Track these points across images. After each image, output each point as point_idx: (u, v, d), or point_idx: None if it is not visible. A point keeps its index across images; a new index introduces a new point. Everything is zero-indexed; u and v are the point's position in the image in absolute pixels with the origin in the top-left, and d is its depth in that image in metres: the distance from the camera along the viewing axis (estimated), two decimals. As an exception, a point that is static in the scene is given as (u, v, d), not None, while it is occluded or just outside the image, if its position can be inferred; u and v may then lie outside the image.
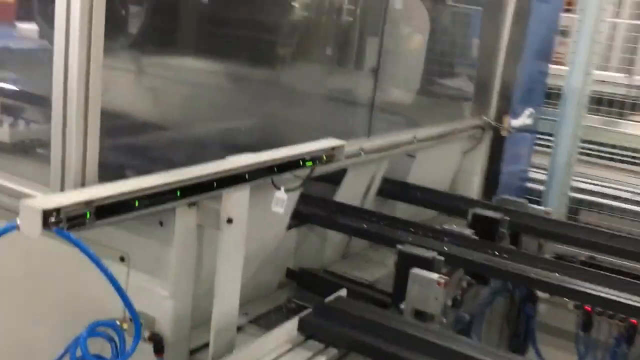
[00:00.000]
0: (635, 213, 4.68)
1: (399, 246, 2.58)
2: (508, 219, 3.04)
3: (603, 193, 5.36)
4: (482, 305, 3.28)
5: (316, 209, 2.96)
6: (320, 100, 3.25)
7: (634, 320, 3.04)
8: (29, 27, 2.68)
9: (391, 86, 3.40)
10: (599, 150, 5.43)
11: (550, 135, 4.88)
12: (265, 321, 2.65)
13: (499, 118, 4.03)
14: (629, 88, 5.48)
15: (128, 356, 2.00)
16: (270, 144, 2.41)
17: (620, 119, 5.35)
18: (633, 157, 5.19)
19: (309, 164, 2.38)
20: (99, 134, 1.90)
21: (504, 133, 4.01)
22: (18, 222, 1.62)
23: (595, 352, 3.32)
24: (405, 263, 2.51)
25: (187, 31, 2.83)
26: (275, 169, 2.27)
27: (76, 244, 1.74)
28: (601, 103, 5.57)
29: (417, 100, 3.76)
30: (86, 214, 1.67)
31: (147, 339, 2.11)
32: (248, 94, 3.01)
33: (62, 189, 1.87)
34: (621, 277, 2.63)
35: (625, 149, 5.19)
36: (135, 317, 1.93)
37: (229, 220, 2.13)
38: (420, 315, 2.44)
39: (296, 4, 3.13)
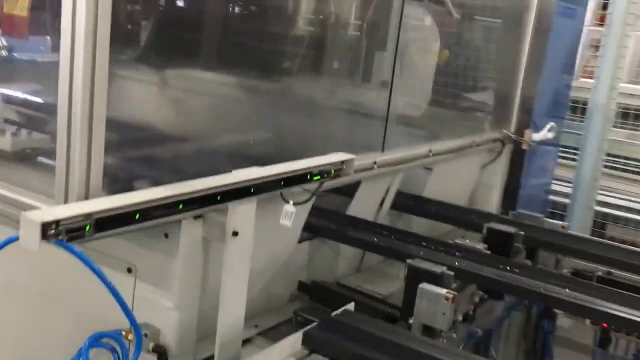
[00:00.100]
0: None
1: (409, 260, 2.57)
2: (523, 233, 3.00)
3: (629, 207, 5.30)
4: (497, 320, 3.24)
5: (327, 222, 2.96)
6: (334, 113, 3.26)
7: (651, 338, 2.99)
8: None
9: (405, 99, 3.39)
10: (624, 164, 5.37)
11: (575, 148, 4.84)
12: (275, 334, 2.65)
13: (520, 131, 4.00)
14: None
15: (130, 368, 2.02)
16: (280, 157, 2.42)
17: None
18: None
19: (316, 178, 2.38)
20: (105, 146, 1.93)
21: (524, 147, 3.98)
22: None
23: (613, 368, 3.26)
24: (415, 277, 2.49)
25: (196, 44, 2.85)
26: (282, 183, 2.27)
27: (78, 256, 1.77)
28: (627, 116, 5.51)
29: (434, 113, 3.75)
30: (86, 227, 1.69)
31: (151, 350, 2.12)
32: (258, 106, 3.03)
33: (65, 201, 1.89)
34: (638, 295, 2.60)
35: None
36: (136, 328, 1.94)
37: (235, 233, 2.14)
38: (428, 330, 2.42)
39: (303, 18, 3.15)
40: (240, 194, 2.13)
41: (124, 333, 2.10)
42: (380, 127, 3.10)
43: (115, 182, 2.20)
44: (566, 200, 5.35)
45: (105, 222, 1.74)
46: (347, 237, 2.94)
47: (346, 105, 3.33)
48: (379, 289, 3.13)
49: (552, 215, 5.06)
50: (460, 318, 2.60)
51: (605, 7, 5.32)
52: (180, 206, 1.93)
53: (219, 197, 2.04)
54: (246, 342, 2.48)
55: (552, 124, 3.96)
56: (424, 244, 2.86)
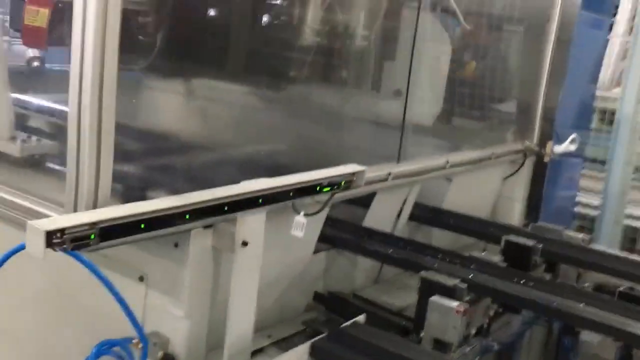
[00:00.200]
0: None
1: (422, 273, 2.56)
2: (541, 246, 2.97)
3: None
4: (516, 334, 3.20)
5: (342, 232, 2.96)
6: (349, 124, 3.27)
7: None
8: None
9: (421, 109, 3.38)
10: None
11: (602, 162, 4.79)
12: (288, 344, 2.64)
13: (542, 143, 3.96)
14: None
15: (137, 376, 2.03)
16: (293, 167, 2.43)
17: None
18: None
19: (326, 189, 2.38)
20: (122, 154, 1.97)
21: (546, 159, 3.93)
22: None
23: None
24: (427, 290, 2.48)
25: (205, 54, 2.88)
26: (292, 194, 2.28)
27: (86, 264, 1.79)
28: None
29: (453, 124, 3.73)
30: (91, 236, 1.71)
31: (160, 359, 2.14)
32: (269, 116, 3.05)
33: (75, 209, 1.92)
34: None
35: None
36: (141, 335, 1.96)
37: (244, 243, 2.15)
38: (439, 344, 2.41)
39: (311, 29, 3.16)
40: (249, 205, 2.14)
41: (134, 341, 2.12)
42: (396, 138, 3.09)
43: (130, 191, 2.24)
44: (594, 213, 5.30)
45: (111, 231, 1.76)
46: (361, 248, 2.94)
47: (362, 115, 3.34)
48: (396, 301, 3.12)
49: (582, 229, 5.01)
50: (473, 332, 2.59)
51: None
52: (187, 216, 1.94)
53: (226, 208, 2.05)
54: (258, 351, 2.49)
55: (574, 135, 3.91)
56: (439, 256, 2.84)
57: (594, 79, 4.39)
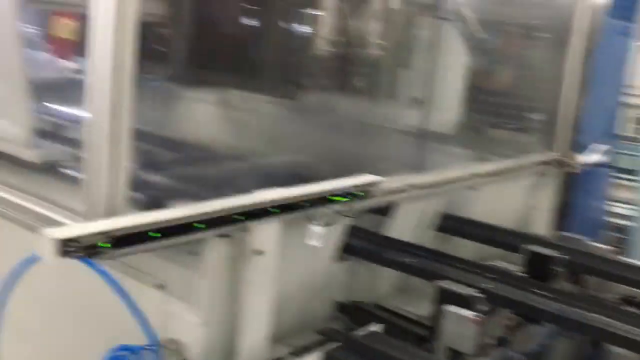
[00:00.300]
0: None
1: (439, 282, 2.56)
2: (563, 257, 2.94)
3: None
4: (542, 345, 3.18)
5: (363, 242, 2.97)
6: (370, 134, 3.29)
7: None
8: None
9: (442, 119, 3.39)
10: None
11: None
12: (307, 353, 2.67)
13: (568, 153, 3.93)
14: None
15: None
16: (310, 177, 2.47)
17: None
18: None
19: (340, 199, 2.41)
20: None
21: (572, 169, 3.90)
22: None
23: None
24: (443, 300, 2.49)
25: (227, 64, 2.94)
26: (305, 204, 2.31)
27: (99, 271, 1.86)
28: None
29: (478, 135, 3.73)
30: (104, 244, 1.76)
31: (177, 365, 2.20)
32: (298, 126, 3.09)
33: (92, 218, 1.98)
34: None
35: None
36: (152, 340, 2.01)
37: (258, 252, 2.19)
38: (454, 353, 2.41)
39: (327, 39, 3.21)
40: (262, 215, 2.18)
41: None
42: (418, 149, 3.11)
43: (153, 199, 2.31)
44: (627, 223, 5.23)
45: (124, 240, 1.82)
46: (380, 257, 2.95)
47: (381, 124, 3.36)
48: (419, 310, 3.11)
49: (614, 240, 4.94)
50: (492, 342, 2.58)
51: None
52: (199, 226, 1.99)
53: (239, 217, 2.09)
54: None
55: (601, 146, 3.87)
56: (458, 265, 2.83)
57: (621, 86, 4.34)
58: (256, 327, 2.28)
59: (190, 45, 2.85)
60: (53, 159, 2.48)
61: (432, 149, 3.26)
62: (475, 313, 2.39)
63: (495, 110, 3.85)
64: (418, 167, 3.16)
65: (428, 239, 3.36)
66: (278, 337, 2.53)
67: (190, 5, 2.88)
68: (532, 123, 4.06)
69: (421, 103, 3.14)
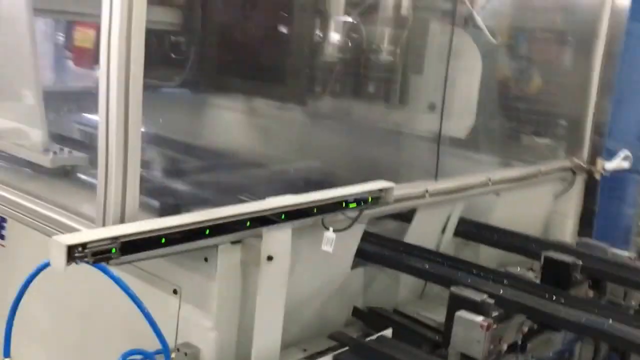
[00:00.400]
0: None
1: (452, 288, 2.58)
2: (579, 263, 2.93)
3: None
4: (560, 352, 3.17)
5: (378, 248, 2.99)
6: (383, 139, 3.31)
7: None
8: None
9: (458, 124, 3.41)
10: None
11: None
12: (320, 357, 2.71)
13: (592, 159, 3.90)
14: None
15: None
16: (323, 183, 2.51)
17: None
18: None
19: (352, 205, 2.44)
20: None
21: (597, 176, 3.87)
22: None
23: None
24: (455, 305, 2.50)
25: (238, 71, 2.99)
26: (316, 210, 2.35)
27: (111, 277, 1.91)
28: None
29: (498, 141, 3.73)
30: (112, 250, 1.82)
31: (190, 368, 2.25)
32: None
33: (104, 224, 2.04)
34: None
35: None
36: (164, 345, 2.06)
37: (269, 258, 2.23)
38: (465, 358, 2.42)
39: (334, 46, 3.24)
40: (273, 221, 2.22)
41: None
42: (432, 154, 3.12)
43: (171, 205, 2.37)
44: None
45: (132, 246, 1.87)
46: (395, 263, 2.96)
47: (392, 129, 3.38)
48: (437, 316, 3.12)
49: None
50: (504, 347, 2.59)
51: None
52: (207, 232, 2.04)
53: (248, 224, 2.14)
54: (291, 364, 2.57)
55: (626, 151, 3.83)
56: (473, 271, 2.84)
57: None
58: (268, 332, 2.31)
59: (203, 53, 2.91)
60: (67, 164, 2.56)
61: (451, 154, 3.27)
62: (484, 318, 2.40)
63: (517, 116, 3.84)
64: (441, 173, 3.16)
65: (448, 244, 3.38)
66: (294, 342, 2.57)
67: (206, 14, 2.94)
68: (556, 129, 4.04)
69: (441, 110, 3.16)
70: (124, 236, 1.85)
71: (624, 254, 3.27)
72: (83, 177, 2.57)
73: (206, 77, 3.00)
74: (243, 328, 2.33)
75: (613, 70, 3.84)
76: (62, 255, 1.73)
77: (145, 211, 2.22)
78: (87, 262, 1.78)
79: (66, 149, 2.62)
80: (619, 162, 3.83)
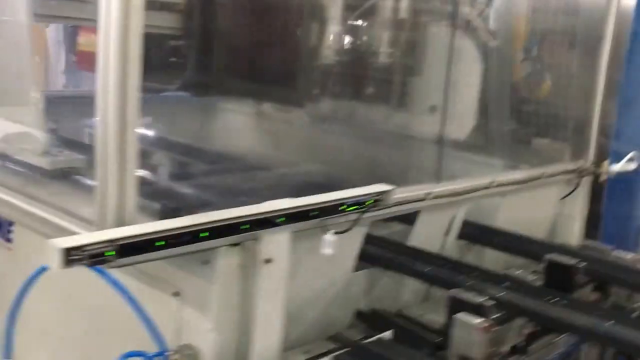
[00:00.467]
0: None
1: (451, 290, 2.58)
2: (581, 266, 2.93)
3: None
4: (563, 354, 3.16)
5: (380, 250, 3.00)
6: (387, 142, 3.32)
7: None
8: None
9: (460, 126, 3.41)
10: None
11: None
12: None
13: (598, 161, 3.89)
14: None
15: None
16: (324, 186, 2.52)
17: None
18: None
19: (351, 208, 2.45)
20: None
21: (602, 178, 3.86)
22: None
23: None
24: (454, 308, 2.51)
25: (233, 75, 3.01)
26: (314, 213, 2.36)
27: (109, 279, 1.94)
28: None
29: (502, 143, 3.72)
30: (109, 252, 1.84)
31: (190, 370, 2.27)
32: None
33: (103, 227, 2.06)
34: None
35: None
36: (162, 346, 2.08)
37: (267, 261, 2.25)
38: (464, 361, 2.43)
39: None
40: (271, 224, 2.24)
41: (167, 354, 2.25)
42: (434, 156, 3.12)
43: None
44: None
45: (130, 248, 1.89)
46: (397, 265, 2.97)
47: (394, 132, 3.39)
48: (441, 318, 3.13)
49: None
50: (506, 350, 2.59)
51: None
52: (204, 235, 2.05)
53: (246, 227, 2.16)
54: (294, 366, 2.58)
55: (633, 153, 3.81)
56: (476, 274, 2.84)
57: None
58: (268, 334, 2.33)
59: (203, 55, 2.94)
60: (65, 166, 2.59)
61: (454, 157, 3.27)
62: (483, 320, 2.40)
63: (522, 118, 3.84)
64: (447, 176, 3.17)
65: (452, 247, 3.38)
66: (297, 344, 2.59)
67: (207, 20, 2.97)
68: (562, 131, 4.03)
69: (442, 112, 3.16)
70: (122, 239, 1.87)
71: (627, 256, 3.26)
72: (83, 179, 2.59)
73: (207, 80, 3.02)
74: (243, 330, 2.35)
75: (619, 72, 3.83)
76: (59, 258, 1.75)
77: (145, 214, 2.24)
78: (84, 265, 1.80)
79: (65, 151, 2.65)
80: (624, 164, 3.81)
